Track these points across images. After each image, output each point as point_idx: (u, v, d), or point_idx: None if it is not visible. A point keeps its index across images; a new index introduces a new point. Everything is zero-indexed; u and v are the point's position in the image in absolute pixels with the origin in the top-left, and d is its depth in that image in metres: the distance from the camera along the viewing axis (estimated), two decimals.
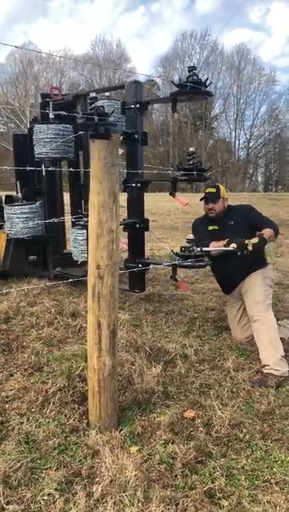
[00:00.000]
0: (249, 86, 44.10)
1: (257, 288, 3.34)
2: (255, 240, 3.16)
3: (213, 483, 1.98)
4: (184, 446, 2.19)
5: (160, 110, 40.47)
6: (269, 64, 75.37)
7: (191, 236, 3.46)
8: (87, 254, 2.34)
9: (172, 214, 14.13)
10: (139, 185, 3.96)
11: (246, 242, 3.14)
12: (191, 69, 3.39)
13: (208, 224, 3.60)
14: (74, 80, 42.31)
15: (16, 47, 2.63)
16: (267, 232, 3.27)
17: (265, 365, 3.00)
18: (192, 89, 3.31)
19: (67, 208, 5.36)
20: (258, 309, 3.22)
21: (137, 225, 4.03)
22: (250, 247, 3.14)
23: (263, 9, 66.16)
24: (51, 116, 4.45)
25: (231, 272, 3.50)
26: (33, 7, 58.58)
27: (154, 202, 16.30)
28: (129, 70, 39.30)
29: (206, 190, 3.55)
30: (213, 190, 3.50)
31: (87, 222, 2.32)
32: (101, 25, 58.85)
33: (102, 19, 59.79)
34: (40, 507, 1.82)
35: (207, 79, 3.36)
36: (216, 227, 3.55)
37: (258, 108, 44.90)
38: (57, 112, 4.42)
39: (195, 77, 3.32)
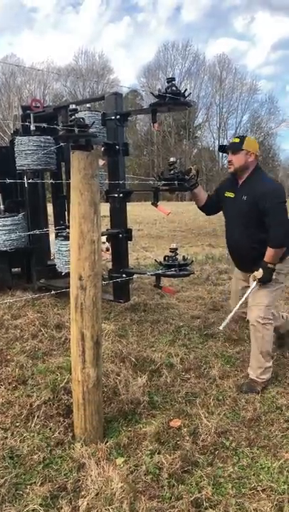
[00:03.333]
0: (231, 95, 44.82)
1: (265, 286, 2.99)
2: (259, 275, 2.90)
3: (200, 492, 1.98)
4: (170, 456, 2.18)
5: (144, 120, 40.75)
6: (250, 73, 76.55)
7: (174, 245, 3.49)
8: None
9: (158, 223, 14.19)
10: (121, 195, 3.98)
11: (252, 277, 2.96)
12: (170, 80, 3.43)
13: (229, 189, 3.16)
14: (57, 91, 42.53)
15: None
16: (268, 255, 2.88)
17: (252, 370, 3.01)
18: (171, 100, 3.35)
19: (51, 219, 5.35)
20: (257, 315, 2.97)
21: (120, 235, 4.03)
22: (259, 283, 2.94)
23: (247, 18, 67.52)
24: (32, 128, 4.45)
25: (241, 254, 3.17)
26: (18, 18, 58.78)
27: (140, 211, 16.36)
28: (112, 81, 39.61)
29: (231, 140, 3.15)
30: (237, 139, 3.02)
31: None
32: (86, 36, 59.27)
33: (87, 30, 60.29)
34: None
35: (186, 90, 3.41)
36: (231, 195, 3.10)
37: (240, 117, 45.61)
38: (38, 124, 4.42)
39: (174, 88, 3.36)
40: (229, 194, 3.13)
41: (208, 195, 3.38)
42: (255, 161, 3.03)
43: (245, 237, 3.02)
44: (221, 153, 43.32)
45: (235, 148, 2.99)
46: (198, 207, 3.43)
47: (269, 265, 2.88)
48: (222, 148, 3.20)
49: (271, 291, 3.01)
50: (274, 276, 2.95)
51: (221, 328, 3.25)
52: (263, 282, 2.92)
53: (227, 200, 3.16)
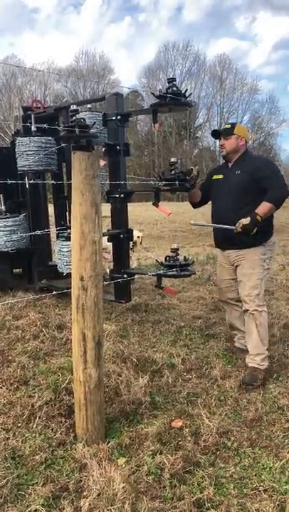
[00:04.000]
0: (232, 95, 44.73)
1: (254, 276, 3.18)
2: (246, 221, 3.00)
3: (201, 493, 1.98)
4: (171, 456, 2.19)
5: (144, 120, 40.73)
6: (251, 73, 76.50)
7: (175, 245, 3.49)
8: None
9: (159, 223, 14.19)
10: (122, 195, 3.98)
11: (237, 223, 3.04)
12: (171, 80, 3.43)
13: (216, 173, 3.44)
14: (58, 92, 42.49)
15: None
16: (262, 207, 3.02)
17: (252, 358, 3.17)
18: (172, 101, 3.35)
19: (52, 219, 5.36)
20: (255, 303, 3.15)
21: (121, 236, 4.03)
22: (238, 229, 3.04)
23: (249, 18, 67.21)
24: (33, 129, 4.45)
25: (224, 219, 3.25)
26: (20, 18, 58.79)
27: (141, 211, 16.35)
28: (113, 81, 39.59)
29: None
30: (228, 126, 3.31)
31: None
32: (87, 37, 59.16)
33: (88, 30, 60.24)
34: None
35: (186, 90, 3.40)
36: (220, 176, 3.35)
37: (241, 117, 45.50)
38: (39, 125, 4.43)
39: (174, 89, 3.36)
40: (217, 176, 3.39)
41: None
42: (245, 146, 3.31)
43: (235, 211, 3.17)
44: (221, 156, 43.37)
45: (227, 133, 3.26)
46: (192, 202, 3.63)
47: (258, 217, 3.01)
48: (215, 133, 3.41)
49: (261, 278, 3.21)
50: (260, 263, 3.19)
51: None
52: (245, 231, 3.03)
53: (215, 182, 3.39)
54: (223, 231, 3.27)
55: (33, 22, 62.14)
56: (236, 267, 3.31)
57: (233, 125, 3.31)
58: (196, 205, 3.63)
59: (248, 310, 3.21)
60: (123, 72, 57.61)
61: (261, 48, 64.96)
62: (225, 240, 3.33)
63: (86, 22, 59.84)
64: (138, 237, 3.68)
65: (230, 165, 3.32)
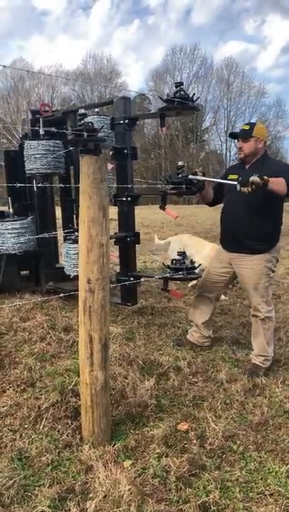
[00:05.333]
0: (239, 99, 44.67)
1: (260, 285, 3.17)
2: (255, 179, 2.72)
3: (207, 496, 1.98)
4: (177, 459, 2.19)
5: (151, 124, 40.76)
6: (258, 76, 76.34)
7: (181, 249, 3.50)
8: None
9: (165, 226, 14.18)
10: (129, 199, 4.00)
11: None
12: (178, 84, 3.45)
13: (233, 172, 3.24)
14: (65, 95, 42.65)
15: (3, 66, 2.66)
16: (277, 179, 2.81)
17: (256, 356, 3.28)
18: (179, 105, 3.37)
19: (59, 222, 5.39)
20: (266, 309, 3.22)
21: (128, 239, 4.05)
22: (244, 189, 2.75)
23: (258, 21, 66.80)
24: (41, 132, 4.49)
25: (238, 230, 3.18)
26: (29, 21, 59.06)
27: (148, 215, 16.36)
28: (120, 85, 39.73)
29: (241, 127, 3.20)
30: (247, 127, 3.10)
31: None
32: (96, 40, 59.25)
33: (97, 33, 60.37)
34: None
35: (194, 94, 3.42)
36: (235, 177, 3.08)
37: (248, 120, 45.41)
38: (47, 128, 4.46)
39: (182, 93, 3.38)
40: (233, 176, 3.15)
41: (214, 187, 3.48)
42: (264, 148, 3.14)
43: (248, 213, 3.07)
44: (228, 157, 43.35)
45: (245, 135, 3.07)
46: (205, 202, 3.55)
47: (267, 182, 2.74)
48: (233, 135, 3.25)
49: (267, 286, 3.23)
50: (266, 271, 3.16)
51: None
52: (253, 189, 2.72)
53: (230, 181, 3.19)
54: (232, 233, 3.24)
55: (43, 25, 62.44)
56: (237, 272, 3.33)
57: (252, 126, 3.09)
58: (210, 204, 3.54)
59: (258, 316, 3.26)
60: (131, 75, 57.72)
61: (270, 50, 64.77)
62: (234, 243, 3.26)
63: (95, 25, 59.99)
64: (200, 264, 3.64)
65: (247, 166, 3.17)
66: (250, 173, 2.93)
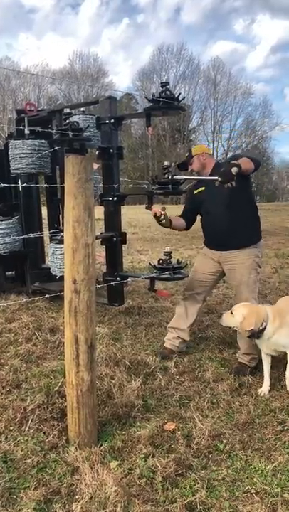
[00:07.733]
0: (226, 99, 44.96)
1: (251, 280, 3.26)
2: (234, 165, 2.84)
3: (193, 495, 1.98)
4: (164, 459, 2.19)
5: (138, 123, 40.79)
6: (245, 77, 76.84)
7: (168, 248, 3.50)
8: None
9: (152, 226, 14.17)
10: (115, 199, 3.99)
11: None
12: (164, 84, 3.45)
13: (196, 187, 3.44)
14: (52, 94, 42.49)
15: None
16: (242, 159, 2.98)
17: (243, 355, 3.31)
18: (165, 105, 3.37)
19: (46, 222, 5.35)
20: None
21: (114, 239, 4.04)
22: (221, 178, 2.87)
23: (247, 20, 67.28)
24: (27, 131, 4.46)
25: (219, 227, 3.31)
26: (17, 19, 58.53)
27: (135, 214, 16.37)
28: (107, 84, 39.67)
29: None
30: (187, 153, 3.45)
31: None
32: (85, 38, 58.94)
33: (86, 31, 60.09)
34: None
35: (180, 94, 3.43)
36: (202, 188, 3.37)
37: (234, 120, 45.75)
38: (32, 128, 4.43)
39: (168, 93, 3.38)
40: (199, 189, 3.39)
41: (181, 214, 3.58)
42: (210, 158, 3.40)
43: (227, 214, 3.22)
44: (215, 157, 43.44)
45: (188, 159, 3.37)
46: (182, 229, 3.61)
47: (240, 164, 2.86)
48: (183, 166, 3.46)
49: (256, 281, 3.32)
50: (255, 266, 3.26)
51: None
52: (226, 175, 2.84)
53: (199, 195, 3.40)
54: (218, 236, 3.33)
55: (30, 22, 61.93)
56: (227, 269, 3.34)
57: (190, 149, 3.43)
58: (187, 227, 3.60)
59: None
60: (120, 73, 57.55)
61: (259, 50, 65.33)
62: (221, 244, 3.33)
63: (84, 23, 59.77)
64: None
65: (206, 175, 3.38)
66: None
